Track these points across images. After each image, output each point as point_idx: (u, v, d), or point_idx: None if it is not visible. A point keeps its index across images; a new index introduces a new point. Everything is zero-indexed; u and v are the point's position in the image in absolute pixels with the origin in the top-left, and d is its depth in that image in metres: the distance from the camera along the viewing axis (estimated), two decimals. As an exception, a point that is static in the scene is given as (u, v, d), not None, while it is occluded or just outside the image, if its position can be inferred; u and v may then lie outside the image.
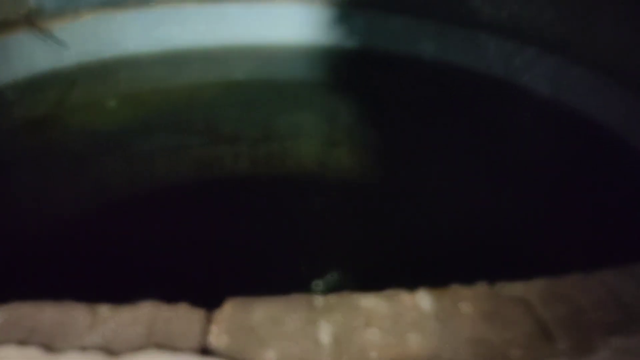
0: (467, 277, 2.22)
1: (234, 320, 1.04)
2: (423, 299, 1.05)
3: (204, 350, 0.98)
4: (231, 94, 3.99)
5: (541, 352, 0.94)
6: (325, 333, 0.99)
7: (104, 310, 1.08)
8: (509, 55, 3.95)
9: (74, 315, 1.07)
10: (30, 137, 3.49)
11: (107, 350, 0.97)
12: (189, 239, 2.48)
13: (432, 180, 3.09)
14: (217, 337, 1.00)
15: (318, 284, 2.27)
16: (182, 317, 1.06)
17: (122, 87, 4.11)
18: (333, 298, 1.06)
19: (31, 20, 4.00)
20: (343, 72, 4.34)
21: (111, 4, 4.16)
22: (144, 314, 1.05)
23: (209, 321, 1.06)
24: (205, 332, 1.03)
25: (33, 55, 3.96)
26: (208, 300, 1.24)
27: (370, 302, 1.04)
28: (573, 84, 3.61)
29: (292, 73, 4.52)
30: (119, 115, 3.67)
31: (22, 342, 1.00)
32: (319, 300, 1.07)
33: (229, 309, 1.07)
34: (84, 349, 0.97)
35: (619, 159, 3.17)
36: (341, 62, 4.42)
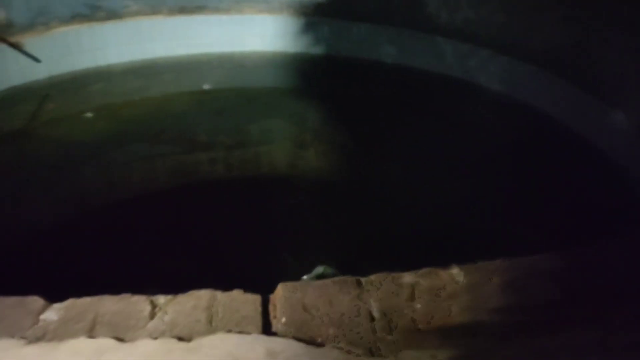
0: (436, 258, 2.38)
1: (290, 302, 1.08)
2: (458, 274, 1.11)
3: (267, 331, 1.02)
4: (203, 103, 4.00)
5: (564, 316, 1.02)
6: (375, 309, 1.04)
7: (162, 299, 1.10)
8: (465, 57, 4.10)
9: (133, 306, 1.09)
10: (6, 150, 3.39)
11: (176, 336, 0.99)
12: (165, 241, 2.50)
13: (396, 174, 3.18)
14: (278, 319, 1.04)
15: (306, 276, 2.32)
16: (240, 301, 1.09)
17: (95, 99, 4.01)
18: (377, 277, 1.12)
19: (1, 35, 3.89)
20: (310, 77, 4.40)
21: (82, 17, 4.08)
22: (202, 301, 1.08)
23: (265, 304, 1.10)
24: (264, 314, 1.06)
25: (5, 69, 3.86)
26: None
27: (411, 279, 1.10)
28: (523, 81, 3.78)
29: (261, 80, 4.51)
30: (93, 126, 3.62)
31: (89, 333, 1.01)
32: (364, 280, 1.12)
33: (283, 292, 1.11)
34: (153, 337, 0.99)
35: (565, 146, 3.37)
36: (308, 68, 4.49)
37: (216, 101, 4.02)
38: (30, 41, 3.94)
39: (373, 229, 2.63)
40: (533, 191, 2.92)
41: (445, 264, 2.28)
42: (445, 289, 1.10)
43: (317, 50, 4.58)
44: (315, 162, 3.34)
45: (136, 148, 3.42)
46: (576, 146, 3.33)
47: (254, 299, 1.11)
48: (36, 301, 1.12)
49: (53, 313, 1.11)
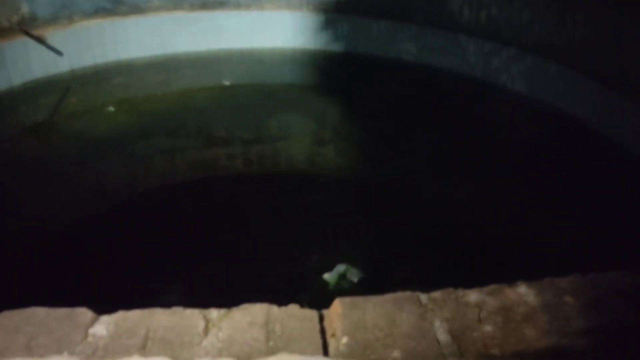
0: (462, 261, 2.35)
1: (350, 320, 1.01)
2: (527, 293, 1.05)
3: (328, 351, 0.96)
4: (222, 98, 3.94)
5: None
6: (441, 330, 0.98)
7: (214, 314, 1.03)
8: (488, 56, 3.99)
9: (187, 321, 1.02)
10: (28, 143, 3.35)
11: (235, 355, 0.93)
12: (186, 235, 2.46)
13: (418, 174, 3.10)
14: (337, 338, 0.97)
15: (327, 274, 2.27)
16: (297, 318, 1.03)
17: (116, 93, 3.97)
18: (439, 295, 1.05)
19: (25, 28, 3.83)
20: (330, 74, 4.32)
21: (105, 11, 4.01)
22: (259, 317, 1.02)
23: (323, 321, 1.03)
24: (323, 331, 1.00)
25: (28, 63, 3.81)
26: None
27: (477, 298, 1.04)
28: (549, 82, 3.68)
29: (281, 76, 4.44)
30: (115, 120, 3.57)
31: (142, 351, 0.95)
32: (425, 297, 1.05)
33: (341, 309, 1.04)
34: (211, 356, 0.93)
35: (594, 148, 3.26)
36: (328, 65, 4.41)
37: (236, 97, 3.97)
38: (53, 35, 3.88)
39: (395, 228, 2.56)
40: (568, 198, 2.80)
41: (473, 267, 2.32)
42: (516, 309, 1.03)
43: (337, 47, 4.51)
44: (335, 159, 3.28)
45: (156, 142, 3.37)
46: (608, 149, 3.21)
47: (312, 316, 1.04)
48: (84, 314, 1.05)
49: (102, 327, 1.04)
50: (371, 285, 2.25)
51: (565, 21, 3.54)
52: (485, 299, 1.03)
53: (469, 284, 1.12)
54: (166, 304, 1.16)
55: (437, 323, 0.98)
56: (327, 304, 1.14)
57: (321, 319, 1.02)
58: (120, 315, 1.04)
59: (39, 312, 1.10)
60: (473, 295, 1.04)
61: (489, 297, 1.04)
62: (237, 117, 3.73)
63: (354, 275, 2.32)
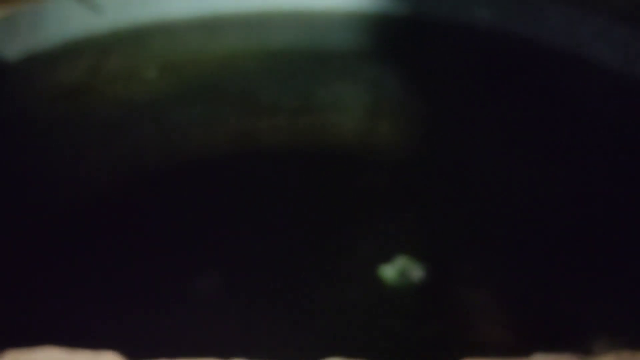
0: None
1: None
2: None
3: None
4: (271, 63, 3.61)
5: None
6: None
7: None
8: (575, 24, 3.47)
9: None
10: (65, 106, 3.11)
11: None
12: (220, 211, 2.26)
13: (489, 160, 2.68)
14: None
15: (384, 268, 1.95)
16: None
17: (158, 55, 3.69)
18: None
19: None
20: (390, 41, 3.89)
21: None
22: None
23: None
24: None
25: (67, 21, 3.57)
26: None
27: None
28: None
29: (338, 42, 4.06)
30: (155, 84, 3.33)
31: None
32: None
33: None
34: None
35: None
36: (388, 30, 3.97)
37: (285, 63, 3.63)
38: (91, -9, 3.63)
39: (461, 219, 2.22)
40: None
41: (562, 272, 1.93)
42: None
43: (399, 10, 4.05)
44: (392, 135, 2.92)
45: (197, 109, 3.12)
46: None
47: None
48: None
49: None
50: (435, 288, 1.94)
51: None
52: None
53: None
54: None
55: None
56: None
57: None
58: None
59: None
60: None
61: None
62: (285, 84, 3.42)
63: (416, 273, 1.97)
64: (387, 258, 1.99)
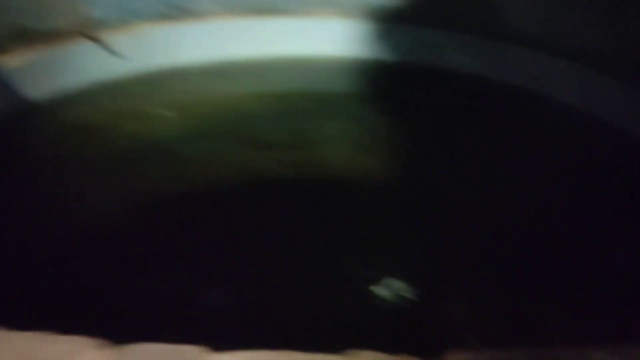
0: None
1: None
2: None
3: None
4: (272, 104, 3.86)
5: None
6: None
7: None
8: (544, 68, 3.82)
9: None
10: (86, 143, 3.31)
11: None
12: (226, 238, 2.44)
13: (471, 188, 2.95)
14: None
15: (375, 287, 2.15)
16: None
17: (173, 97, 3.94)
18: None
19: (87, 31, 3.85)
20: (381, 84, 4.19)
21: (167, 17, 4.01)
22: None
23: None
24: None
25: (88, 65, 3.81)
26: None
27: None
28: (607, 96, 3.46)
29: (333, 85, 4.36)
30: (169, 123, 3.54)
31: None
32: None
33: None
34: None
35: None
36: (379, 74, 4.28)
37: (285, 103, 3.89)
38: (114, 38, 3.87)
39: (445, 244, 2.43)
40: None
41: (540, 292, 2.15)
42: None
43: (389, 56, 4.38)
44: (382, 168, 3.14)
45: (205, 145, 3.34)
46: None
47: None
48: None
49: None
50: (422, 307, 2.12)
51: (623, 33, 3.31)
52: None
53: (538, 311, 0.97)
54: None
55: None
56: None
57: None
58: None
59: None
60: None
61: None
62: (285, 124, 3.67)
63: (405, 292, 2.17)
64: (375, 276, 2.19)
